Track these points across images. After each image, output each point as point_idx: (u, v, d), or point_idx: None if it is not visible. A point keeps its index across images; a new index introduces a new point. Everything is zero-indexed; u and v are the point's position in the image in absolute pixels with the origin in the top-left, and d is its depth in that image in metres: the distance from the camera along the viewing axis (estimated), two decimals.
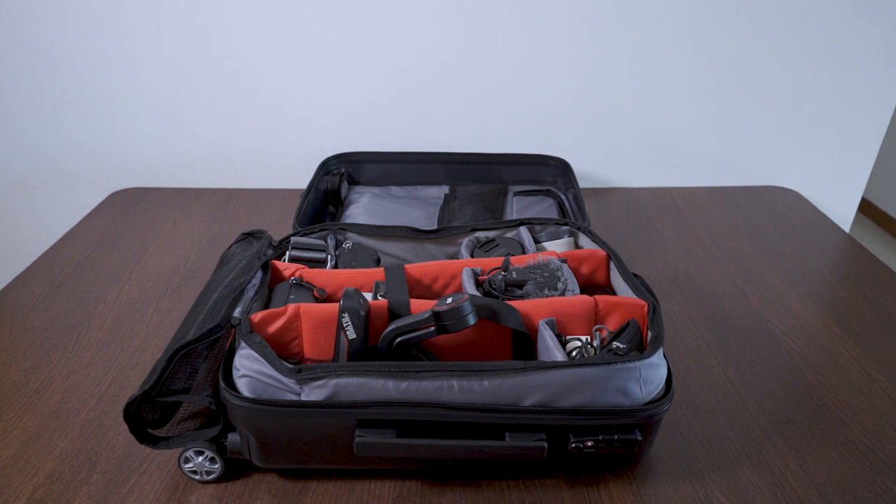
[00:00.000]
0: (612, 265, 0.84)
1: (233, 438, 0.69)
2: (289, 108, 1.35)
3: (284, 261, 0.86)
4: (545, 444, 0.65)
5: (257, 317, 0.71)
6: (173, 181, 1.42)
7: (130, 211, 1.32)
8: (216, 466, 0.70)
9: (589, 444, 0.66)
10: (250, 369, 0.65)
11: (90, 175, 1.42)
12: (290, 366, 0.64)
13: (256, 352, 0.65)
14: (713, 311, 1.01)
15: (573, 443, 0.66)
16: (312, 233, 0.90)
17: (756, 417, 0.81)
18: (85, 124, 1.37)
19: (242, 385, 0.65)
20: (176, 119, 1.36)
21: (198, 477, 0.71)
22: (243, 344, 0.66)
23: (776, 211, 1.34)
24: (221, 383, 0.66)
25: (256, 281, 0.78)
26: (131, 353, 0.92)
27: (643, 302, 0.73)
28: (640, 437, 0.66)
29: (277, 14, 1.26)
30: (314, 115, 1.36)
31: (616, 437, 0.66)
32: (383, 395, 0.64)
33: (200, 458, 0.70)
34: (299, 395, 0.64)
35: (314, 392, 0.64)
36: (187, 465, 0.70)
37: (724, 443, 0.77)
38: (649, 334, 0.70)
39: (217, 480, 0.71)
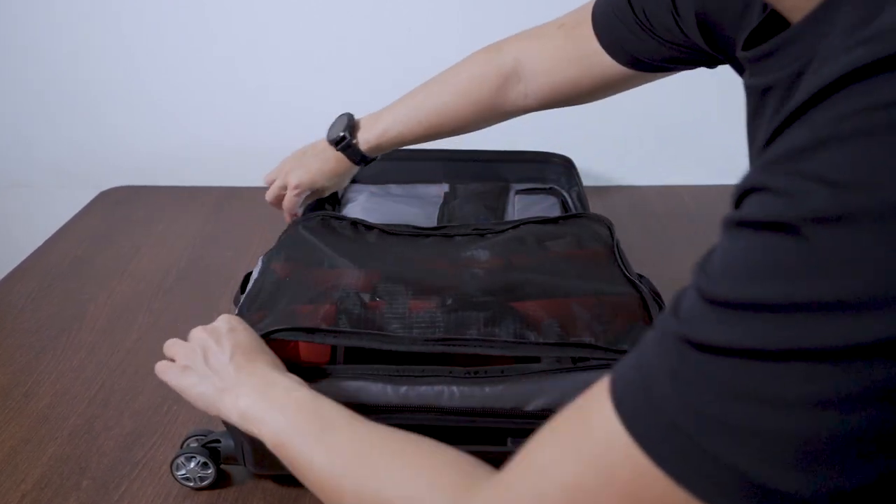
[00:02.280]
0: None
1: (226, 443, 0.68)
2: (285, 105, 1.33)
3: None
4: None
5: (255, 315, 0.69)
6: (167, 179, 1.40)
7: (122, 210, 1.30)
8: (209, 472, 0.69)
9: None
10: None
11: (83, 173, 1.39)
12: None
13: None
14: None
15: None
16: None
17: None
18: (77, 121, 1.34)
19: None
20: (170, 116, 1.34)
21: (192, 483, 0.69)
22: None
23: None
24: None
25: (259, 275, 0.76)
26: (122, 356, 0.90)
27: (649, 304, 0.71)
28: None
29: (275, 11, 1.24)
30: (311, 111, 1.33)
31: None
32: (382, 399, 0.62)
33: (192, 464, 0.68)
34: None
35: None
36: (180, 472, 0.69)
37: None
38: None
39: (211, 487, 0.70)
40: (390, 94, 1.34)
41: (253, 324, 0.64)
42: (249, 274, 0.77)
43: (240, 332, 0.61)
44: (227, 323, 0.62)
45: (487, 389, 0.62)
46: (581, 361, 0.63)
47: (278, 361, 0.60)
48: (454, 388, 0.62)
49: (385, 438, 0.49)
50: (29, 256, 1.13)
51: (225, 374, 0.58)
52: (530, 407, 0.63)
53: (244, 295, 0.71)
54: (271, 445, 0.52)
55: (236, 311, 0.68)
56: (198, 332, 0.62)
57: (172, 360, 0.63)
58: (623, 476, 0.32)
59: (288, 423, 0.52)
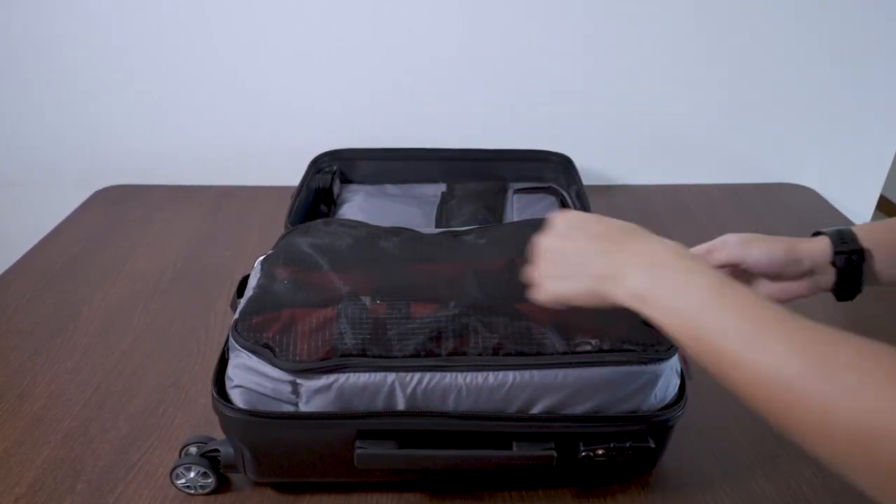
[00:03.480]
0: None
1: (226, 451, 0.67)
2: (283, 103, 1.32)
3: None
4: (554, 453, 0.62)
5: (254, 320, 0.68)
6: (164, 179, 1.38)
7: (117, 209, 1.28)
8: (209, 481, 0.68)
9: (600, 452, 0.64)
10: (245, 380, 0.62)
11: (78, 172, 1.38)
12: (291, 363, 0.61)
13: (254, 354, 0.62)
14: None
15: (583, 451, 0.63)
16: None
17: (769, 424, 0.78)
18: (72, 120, 1.33)
19: (236, 396, 0.62)
20: (167, 115, 1.32)
21: (192, 491, 0.68)
22: (238, 352, 0.63)
23: (791, 209, 1.32)
24: (214, 394, 0.63)
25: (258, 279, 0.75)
26: (118, 358, 0.88)
27: None
28: (653, 445, 0.64)
29: (275, 12, 1.23)
30: (311, 111, 1.33)
31: (628, 445, 0.64)
32: (387, 390, 0.62)
33: (193, 474, 0.67)
34: (297, 405, 0.62)
35: (315, 397, 0.61)
36: (180, 481, 0.68)
37: (735, 451, 0.75)
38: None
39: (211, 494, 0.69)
40: (390, 94, 1.34)
41: (253, 329, 0.63)
42: (246, 277, 0.76)
43: (590, 223, 0.56)
44: (566, 223, 0.57)
45: (491, 380, 0.62)
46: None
47: (651, 234, 0.55)
48: (459, 379, 0.62)
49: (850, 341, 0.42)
50: (24, 256, 1.12)
51: (598, 263, 0.53)
52: (536, 408, 0.63)
53: (243, 299, 0.70)
54: (679, 335, 0.48)
55: (235, 316, 0.66)
56: (542, 243, 0.58)
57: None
58: None
59: (701, 313, 0.47)
